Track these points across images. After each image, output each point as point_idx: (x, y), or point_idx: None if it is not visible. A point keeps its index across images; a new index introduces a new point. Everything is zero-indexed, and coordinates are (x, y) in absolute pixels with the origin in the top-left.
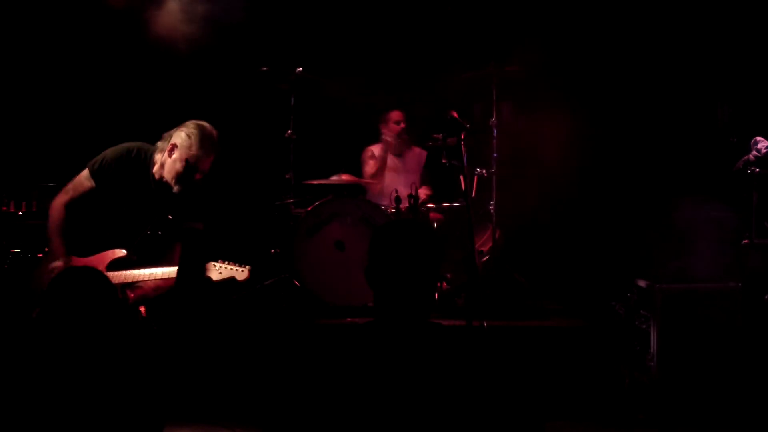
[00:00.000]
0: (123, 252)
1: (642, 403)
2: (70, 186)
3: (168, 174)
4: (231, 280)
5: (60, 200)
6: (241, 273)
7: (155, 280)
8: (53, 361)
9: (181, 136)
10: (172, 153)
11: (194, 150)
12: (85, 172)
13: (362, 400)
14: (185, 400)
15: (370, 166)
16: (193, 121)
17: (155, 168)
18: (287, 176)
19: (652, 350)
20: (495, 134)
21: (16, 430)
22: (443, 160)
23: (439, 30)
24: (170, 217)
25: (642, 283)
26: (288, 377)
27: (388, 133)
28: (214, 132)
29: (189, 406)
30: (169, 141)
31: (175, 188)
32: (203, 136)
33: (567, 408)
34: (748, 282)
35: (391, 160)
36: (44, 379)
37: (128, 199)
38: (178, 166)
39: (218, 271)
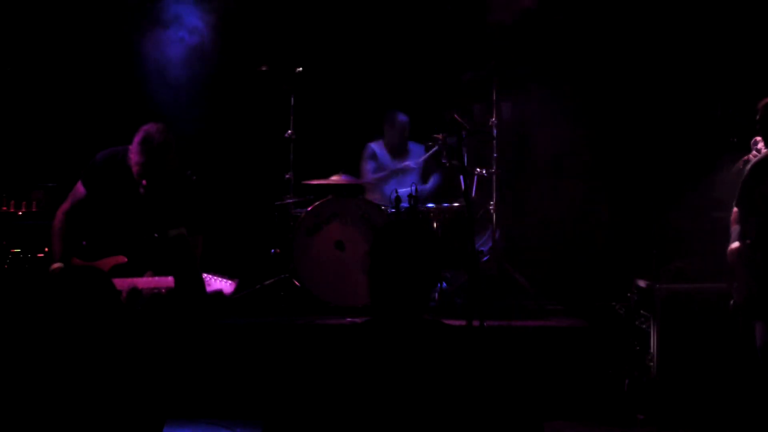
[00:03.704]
0: (124, 259)
1: (642, 403)
2: (70, 194)
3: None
4: (218, 294)
5: (61, 208)
6: (228, 286)
7: (153, 286)
8: (54, 360)
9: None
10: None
11: (134, 150)
12: (80, 180)
13: (362, 399)
14: (186, 398)
15: (368, 168)
16: (144, 126)
17: None
18: (287, 176)
19: (652, 350)
20: (495, 134)
21: (17, 429)
22: (443, 161)
23: (439, 30)
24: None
25: (642, 283)
26: (288, 376)
27: (391, 135)
28: (156, 136)
29: (190, 404)
30: None
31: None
32: (141, 140)
33: (567, 408)
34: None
35: (390, 159)
36: (45, 378)
37: (122, 202)
38: (134, 168)
39: (207, 283)
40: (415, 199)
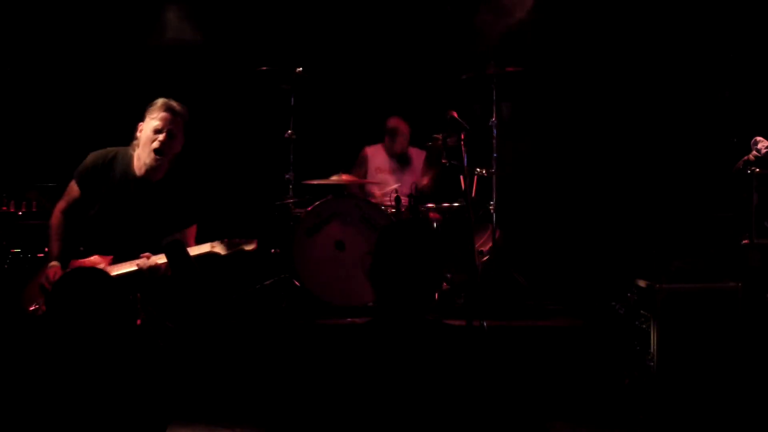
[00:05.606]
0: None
1: (642, 403)
2: (65, 192)
3: (144, 152)
4: (240, 252)
5: (58, 206)
6: (248, 244)
7: (150, 264)
8: (57, 361)
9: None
10: (141, 131)
11: (154, 113)
12: (73, 180)
13: (363, 399)
14: (187, 400)
15: (359, 173)
16: None
17: (135, 165)
18: (287, 176)
19: (652, 350)
20: (495, 134)
21: (19, 430)
22: (443, 160)
23: (439, 30)
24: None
25: (642, 283)
26: (289, 377)
27: (392, 143)
28: (173, 100)
29: (190, 406)
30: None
31: (156, 159)
32: (162, 102)
33: (567, 408)
34: (748, 282)
35: (390, 164)
36: (47, 379)
37: (114, 201)
38: (148, 134)
39: (225, 246)
40: (416, 199)
